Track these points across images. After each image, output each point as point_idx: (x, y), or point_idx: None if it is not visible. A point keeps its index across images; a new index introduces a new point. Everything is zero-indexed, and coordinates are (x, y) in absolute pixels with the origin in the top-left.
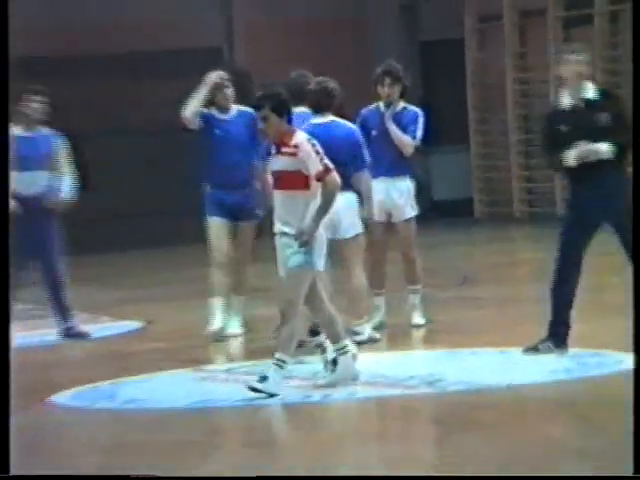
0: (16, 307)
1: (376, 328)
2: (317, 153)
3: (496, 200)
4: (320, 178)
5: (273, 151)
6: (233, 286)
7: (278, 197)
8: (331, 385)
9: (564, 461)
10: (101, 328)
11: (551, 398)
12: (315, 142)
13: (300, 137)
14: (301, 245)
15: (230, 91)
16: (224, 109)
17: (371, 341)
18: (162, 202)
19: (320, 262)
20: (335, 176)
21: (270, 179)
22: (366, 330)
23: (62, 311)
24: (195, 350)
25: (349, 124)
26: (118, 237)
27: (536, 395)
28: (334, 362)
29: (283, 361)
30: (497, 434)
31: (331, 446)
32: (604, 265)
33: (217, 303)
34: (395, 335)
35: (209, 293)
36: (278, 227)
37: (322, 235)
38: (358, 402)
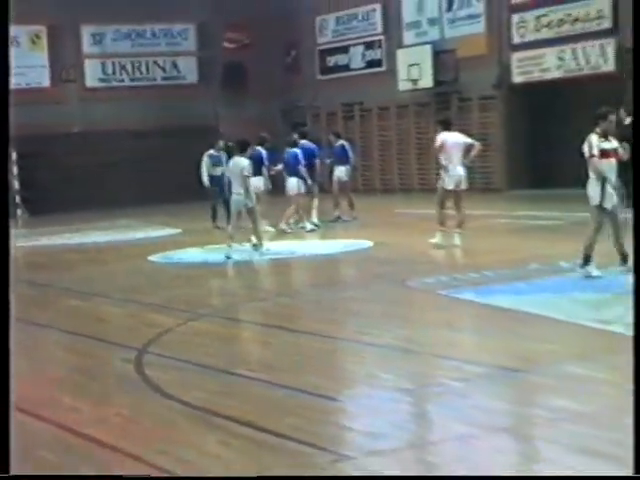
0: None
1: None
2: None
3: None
4: None
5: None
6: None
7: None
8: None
9: (355, 281)
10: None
11: (337, 258)
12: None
13: None
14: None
15: None
16: None
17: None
18: None
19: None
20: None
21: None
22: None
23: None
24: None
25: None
26: None
27: (332, 257)
28: (255, 246)
29: (256, 245)
30: (313, 272)
31: (265, 272)
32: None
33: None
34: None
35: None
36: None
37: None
38: (271, 260)
